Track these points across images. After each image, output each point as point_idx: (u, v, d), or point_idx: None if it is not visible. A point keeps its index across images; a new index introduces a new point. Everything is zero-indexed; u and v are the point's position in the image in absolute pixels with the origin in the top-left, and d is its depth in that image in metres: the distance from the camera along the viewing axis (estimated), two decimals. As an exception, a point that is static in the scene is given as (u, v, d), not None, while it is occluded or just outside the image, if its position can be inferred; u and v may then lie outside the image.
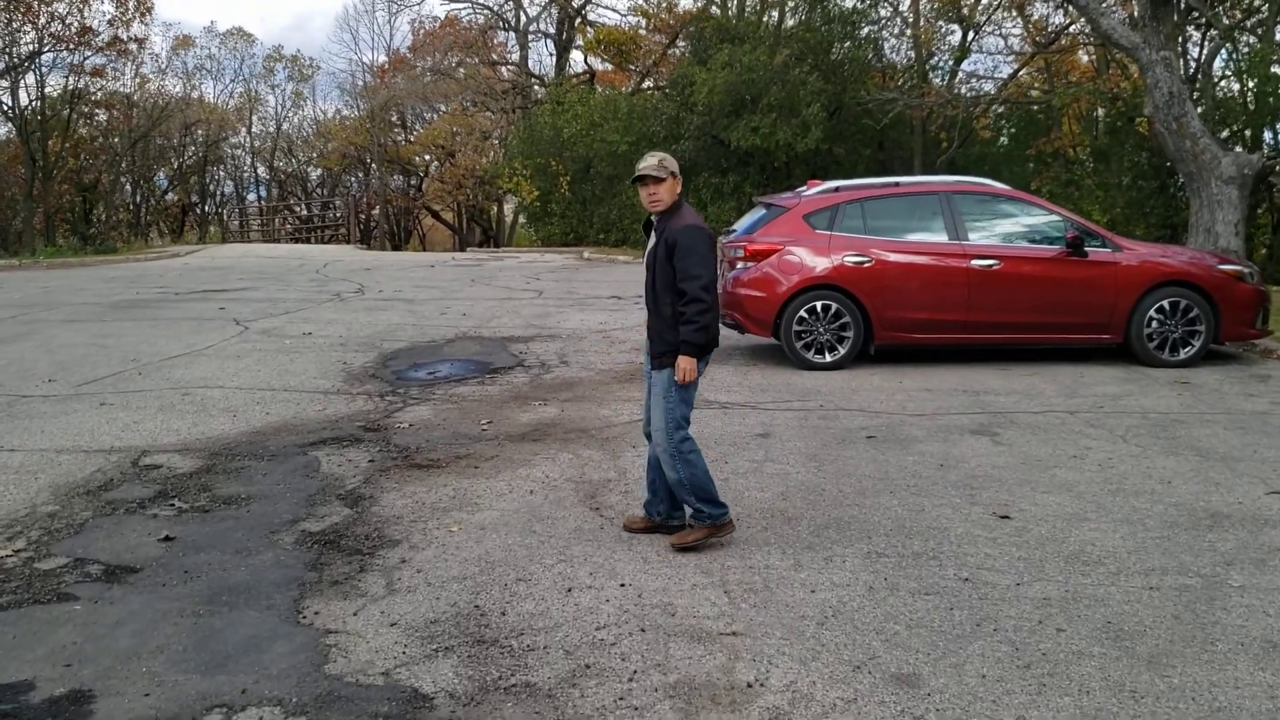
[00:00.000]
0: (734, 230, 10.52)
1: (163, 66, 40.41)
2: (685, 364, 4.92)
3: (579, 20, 35.99)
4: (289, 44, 76.04)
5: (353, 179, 46.17)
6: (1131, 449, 6.89)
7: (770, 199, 10.54)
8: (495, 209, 44.34)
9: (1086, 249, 9.63)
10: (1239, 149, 19.74)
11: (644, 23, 32.50)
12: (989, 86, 26.06)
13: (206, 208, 45.44)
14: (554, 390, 8.86)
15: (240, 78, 47.15)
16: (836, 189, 10.08)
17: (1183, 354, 9.73)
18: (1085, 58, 25.14)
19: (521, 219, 38.59)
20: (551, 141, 28.97)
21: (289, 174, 48.31)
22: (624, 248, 27.24)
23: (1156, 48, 16.70)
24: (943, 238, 9.72)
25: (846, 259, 9.58)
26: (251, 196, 47.45)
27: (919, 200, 9.88)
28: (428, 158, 43.68)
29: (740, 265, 9.86)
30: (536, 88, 38.39)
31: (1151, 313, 9.67)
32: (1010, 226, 9.98)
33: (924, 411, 7.99)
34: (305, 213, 44.24)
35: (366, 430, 7.41)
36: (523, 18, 38.74)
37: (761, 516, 5.57)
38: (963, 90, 25.65)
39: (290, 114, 48.45)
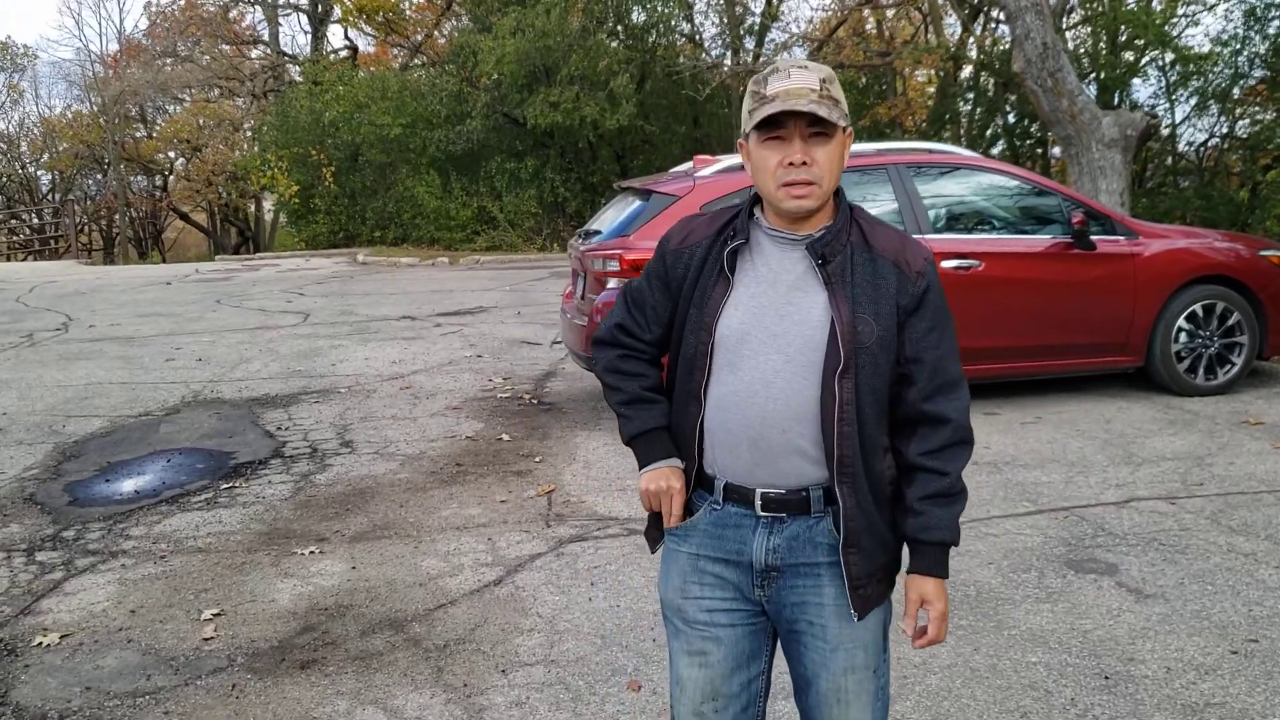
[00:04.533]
0: (596, 231, 7.24)
1: None
2: (945, 600, 2.09)
3: (335, -10, 31.71)
4: (-2, 30, 67.17)
5: (90, 181, 40.64)
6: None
7: (646, 184, 7.25)
8: (253, 207, 39.53)
9: (1093, 238, 6.85)
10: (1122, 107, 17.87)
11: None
12: (802, 52, 23.65)
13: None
14: (334, 511, 5.39)
15: (-65, 69, 40.42)
16: (742, 166, 6.94)
17: (1220, 376, 7.12)
18: (918, 13, 22.96)
19: (282, 218, 34.09)
20: (311, 128, 24.86)
21: (12, 179, 41.95)
22: (405, 246, 23.52)
23: (1025, -8, 14.40)
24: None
25: (769, 267, 6.45)
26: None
27: (859, 178, 6.86)
28: (172, 154, 38.74)
29: (612, 285, 6.58)
30: (291, 69, 33.89)
31: (1181, 322, 6.99)
32: (988, 210, 7.12)
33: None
34: (37, 222, 38.22)
35: (-33, 661, 3.79)
36: (270, -9, 34.12)
37: None
38: (783, 56, 23.07)
39: (7, 110, 42.16)
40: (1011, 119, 21.15)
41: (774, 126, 1.98)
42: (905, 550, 2.11)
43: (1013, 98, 20.37)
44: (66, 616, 4.13)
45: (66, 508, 5.52)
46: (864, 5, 22.46)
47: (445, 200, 23.02)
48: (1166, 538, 4.63)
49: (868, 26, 25.30)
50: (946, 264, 6.62)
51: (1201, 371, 7.08)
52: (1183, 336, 7.03)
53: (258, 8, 35.04)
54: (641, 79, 22.21)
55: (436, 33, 30.44)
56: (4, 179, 41.87)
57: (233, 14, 36.11)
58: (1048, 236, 6.91)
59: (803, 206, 1.99)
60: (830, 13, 23.96)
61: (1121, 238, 6.98)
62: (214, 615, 4.09)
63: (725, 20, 22.45)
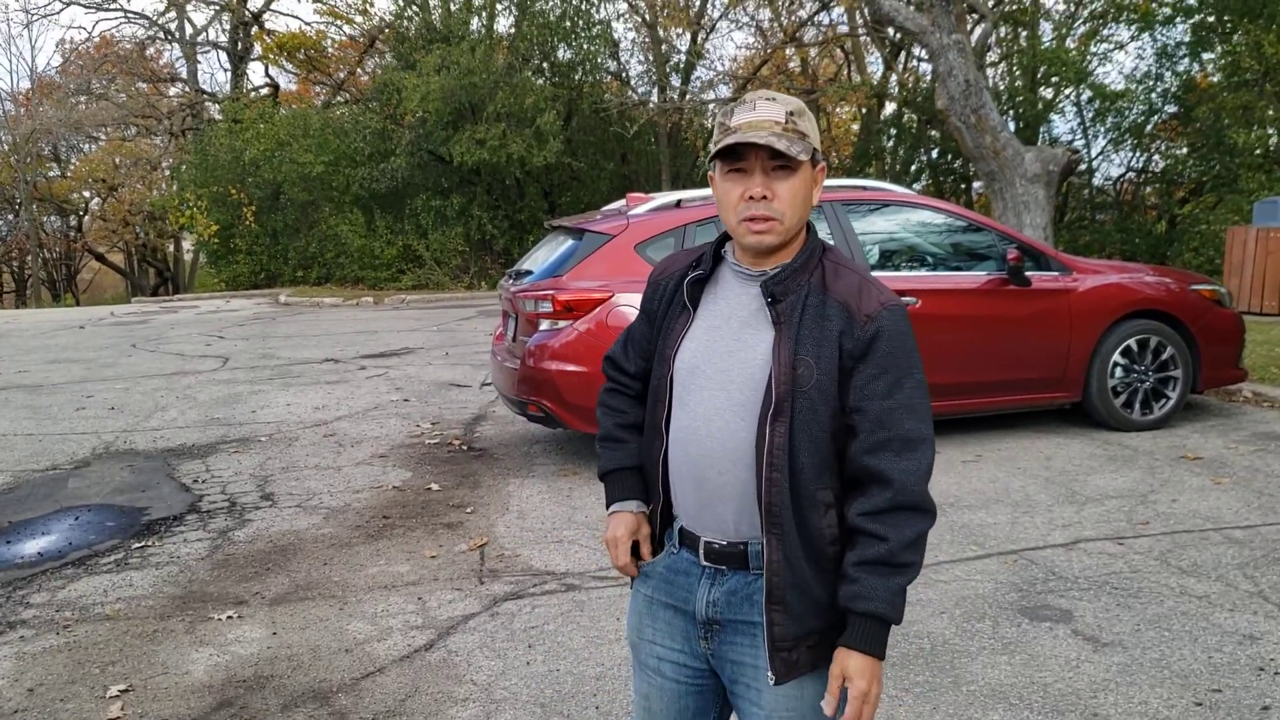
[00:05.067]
0: (527, 271, 7.02)
1: None
2: (874, 681, 1.86)
3: (256, 28, 31.22)
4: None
5: (0, 222, 39.44)
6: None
7: (578, 222, 7.05)
8: (172, 248, 38.65)
9: (1028, 274, 6.81)
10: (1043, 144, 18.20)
11: (334, 27, 28.24)
12: (727, 90, 23.75)
13: None
14: (254, 571, 5.08)
15: None
16: (678, 203, 6.79)
17: (1156, 411, 7.11)
18: (840, 52, 23.18)
19: (203, 258, 33.36)
20: (231, 166, 24.39)
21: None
22: (329, 286, 23.13)
23: (947, 30, 14.59)
24: (835, 267, 6.64)
25: (704, 307, 6.30)
26: None
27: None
28: (87, 194, 37.82)
29: (545, 326, 6.38)
30: (211, 107, 33.27)
31: (1116, 356, 6.97)
32: (923, 246, 7.06)
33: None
34: (-56, 264, 37.02)
35: None
36: (188, 28, 33.51)
37: None
38: (709, 94, 23.18)
39: (-87, 148, 40.80)
40: (935, 155, 21.44)
41: (735, 158, 1.90)
42: None
43: (935, 134, 20.66)
44: (-44, 698, 3.80)
45: (-38, 574, 5.14)
46: (788, 43, 22.66)
47: (370, 239, 22.65)
48: (1118, 581, 4.53)
49: (791, 64, 25.54)
50: (884, 301, 6.53)
51: (1138, 406, 7.07)
52: (1118, 371, 7.01)
53: (176, 45, 34.38)
54: (569, 116, 22.14)
55: (360, 70, 30.11)
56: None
57: (149, 51, 35.50)
58: (983, 273, 6.86)
59: (762, 242, 1.91)
60: (754, 50, 24.14)
61: (1056, 273, 6.95)
62: (121, 692, 3.78)
63: (651, 58, 22.49)
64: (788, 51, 24.01)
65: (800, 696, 1.92)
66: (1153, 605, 4.25)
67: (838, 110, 25.41)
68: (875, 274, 6.49)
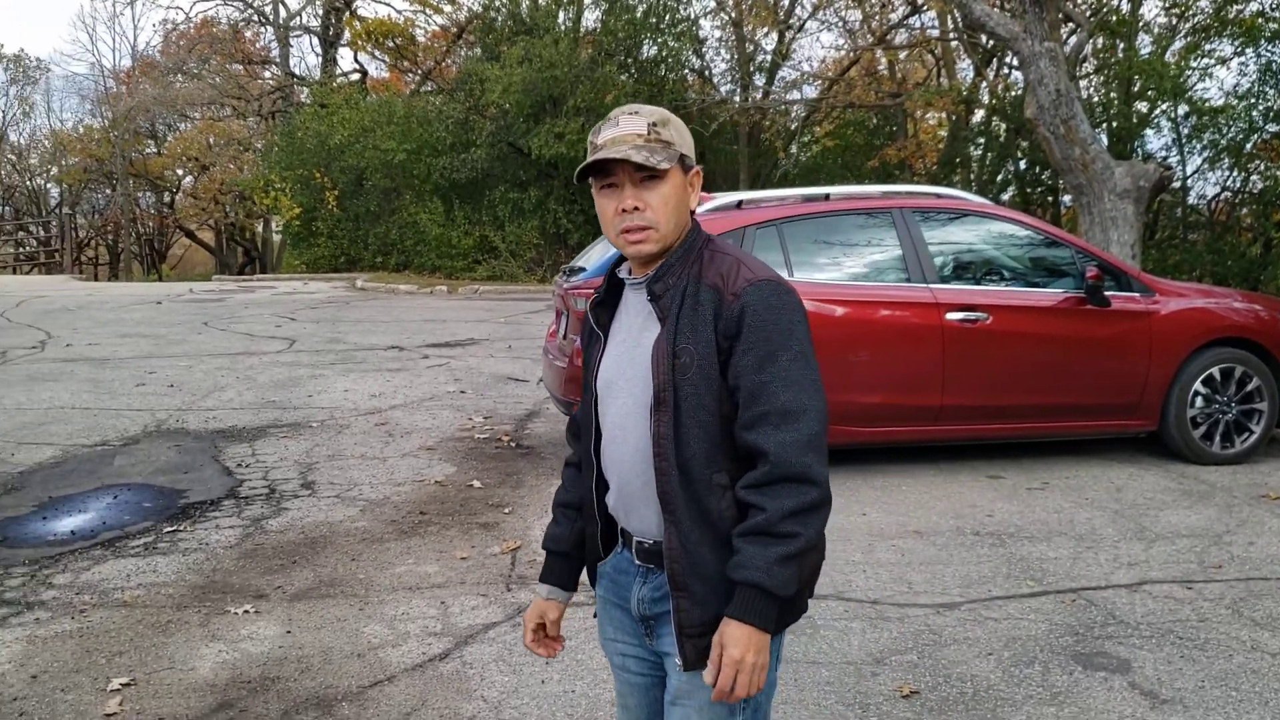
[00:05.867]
0: (580, 268, 6.84)
1: None
2: (749, 650, 1.86)
3: (347, 14, 31.56)
4: (9, 41, 67.12)
5: (100, 196, 40.56)
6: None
7: (635, 220, 6.87)
8: (260, 228, 39.29)
9: (1107, 294, 6.45)
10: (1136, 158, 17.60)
11: (424, 16, 28.40)
12: (813, 91, 23.37)
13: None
14: (280, 563, 4.97)
15: (-53, 80, 40.29)
16: (739, 204, 6.55)
17: (1238, 445, 6.69)
18: (930, 57, 22.66)
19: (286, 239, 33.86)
20: (316, 150, 24.62)
21: (22, 191, 41.83)
22: (406, 273, 23.21)
23: (1040, 38, 14.08)
24: (901, 277, 6.36)
25: (762, 314, 6.06)
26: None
27: (863, 221, 6.49)
28: (180, 171, 38.71)
29: (594, 326, 6.20)
30: (300, 90, 33.73)
31: (1198, 385, 6.57)
32: (998, 259, 6.73)
33: (947, 595, 4.53)
34: (44, 235, 37.97)
35: None
36: (282, 12, 34.00)
37: None
38: (794, 94, 22.82)
39: (18, 122, 42.07)
40: (1023, 165, 20.84)
41: (604, 174, 1.98)
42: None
43: (1025, 144, 20.07)
44: (-40, 680, 3.72)
45: (-6, 548, 5.11)
46: (877, 46, 22.21)
47: (447, 228, 22.69)
48: (1184, 629, 4.20)
49: (880, 67, 25.06)
50: (952, 316, 6.23)
51: (1218, 439, 6.65)
52: (1199, 401, 6.60)
53: (270, 28, 34.94)
54: (650, 113, 21.92)
55: (448, 60, 30.28)
56: (13, 191, 41.81)
57: (247, 34, 36.12)
58: (1059, 290, 6.51)
59: (641, 252, 1.98)
60: (843, 52, 23.71)
61: (1137, 294, 6.57)
62: (123, 685, 3.67)
63: (736, 57, 22.18)
64: (876, 54, 23.54)
65: (705, 688, 1.92)
66: (1220, 660, 3.92)
67: (925, 116, 24.85)
68: (947, 286, 6.28)
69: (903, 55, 23.10)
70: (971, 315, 6.27)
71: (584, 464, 2.16)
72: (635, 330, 2.03)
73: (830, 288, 6.24)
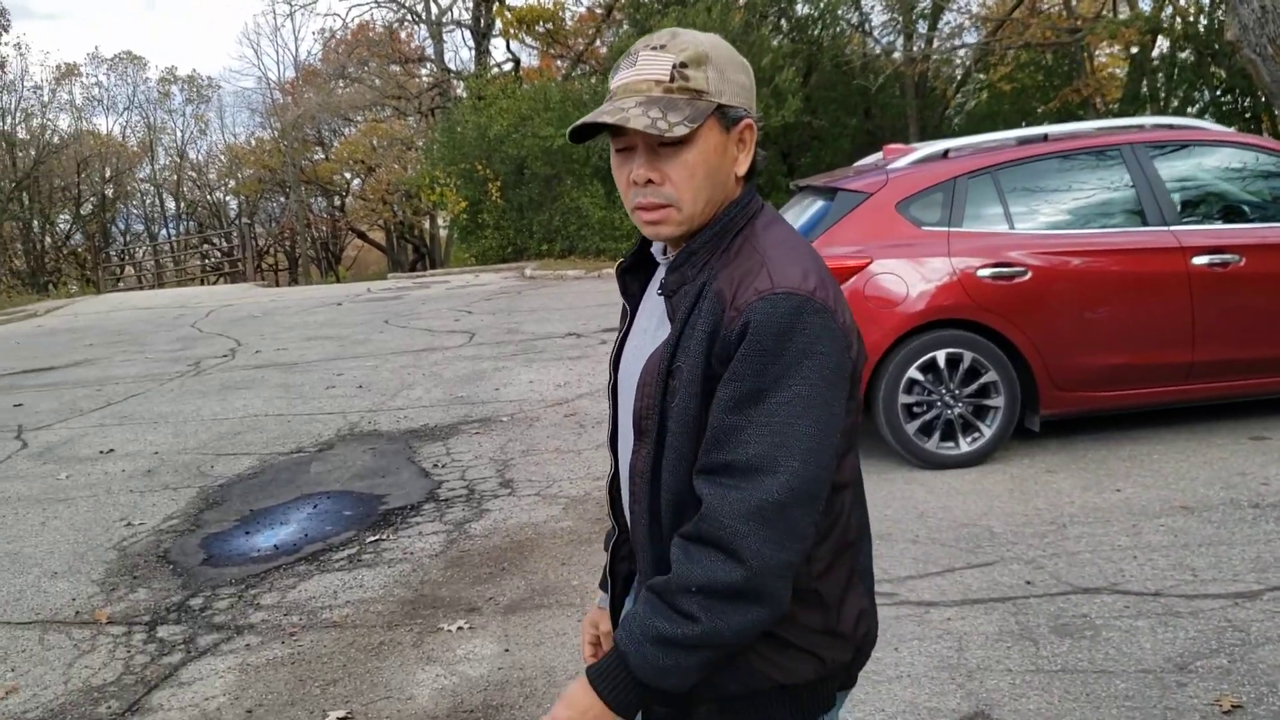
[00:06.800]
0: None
1: (45, 101, 36.37)
2: (572, 704, 1.48)
3: (497, 4, 31.72)
4: (182, 64, 70.71)
5: (274, 204, 42.31)
6: None
7: (830, 181, 6.32)
8: (427, 224, 40.12)
9: (1383, 223, 5.64)
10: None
11: (571, -1, 28.31)
12: (972, 37, 22.13)
13: (110, 251, 40.73)
14: (489, 571, 4.70)
15: (134, 105, 42.53)
16: (945, 154, 5.96)
17: None
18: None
19: (454, 233, 34.42)
20: (477, 143, 24.76)
21: (204, 206, 44.01)
22: (572, 258, 23.12)
23: (1243, -52, 12.86)
24: (1138, 221, 5.68)
25: (981, 272, 5.49)
26: (165, 234, 43.06)
27: (1090, 161, 5.83)
28: (347, 175, 39.92)
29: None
30: (457, 84, 34.18)
31: None
32: (1246, 194, 5.96)
33: (1241, 583, 3.91)
34: (226, 246, 39.78)
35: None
36: (434, 8, 34.45)
37: None
38: (961, 39, 21.71)
39: (195, 140, 44.27)
40: (1219, 93, 19.29)
41: (615, 132, 1.50)
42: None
43: (1220, 72, 18.56)
44: (177, 716, 3.55)
45: (199, 568, 5.01)
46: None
47: (610, 210, 22.52)
48: None
49: (1044, 5, 23.59)
50: (1199, 260, 5.52)
51: None
52: None
53: (423, 26, 35.49)
54: (807, 72, 21.21)
55: (598, 41, 30.12)
56: (195, 205, 43.91)
57: (402, 34, 36.84)
58: (1320, 226, 5.72)
59: (659, 234, 1.54)
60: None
61: None
62: (340, 719, 3.44)
63: (898, 4, 21.21)
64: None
65: None
66: None
67: (1099, 50, 23.25)
68: (1191, 228, 5.57)
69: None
70: (1221, 258, 5.54)
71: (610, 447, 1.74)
72: (654, 321, 1.60)
73: (1058, 238, 5.60)
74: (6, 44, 50.25)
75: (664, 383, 1.48)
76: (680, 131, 1.43)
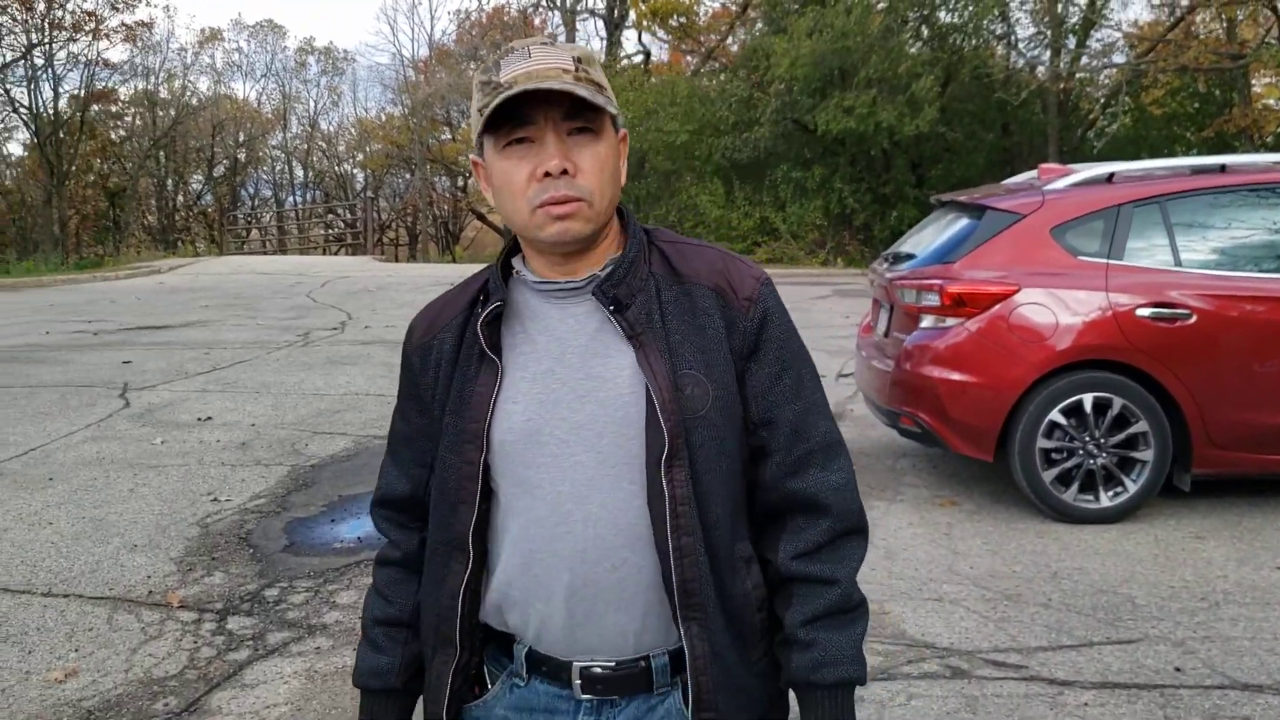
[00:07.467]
0: (908, 255, 5.95)
1: (188, 63, 37.53)
2: None
3: (633, -7, 31.57)
4: (320, 35, 72.29)
5: (400, 180, 43.03)
6: None
7: (978, 198, 5.85)
8: (544, 209, 40.39)
9: None
10: None
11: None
12: (1121, 57, 21.09)
13: (238, 214, 41.87)
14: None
15: (271, 73, 43.57)
16: (1109, 177, 5.46)
17: None
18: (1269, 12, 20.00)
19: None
20: (600, 133, 24.67)
21: (331, 176, 44.97)
22: (685, 255, 22.85)
23: None
24: (1324, 267, 5.13)
25: (1141, 311, 5.00)
26: (292, 201, 44.14)
27: (1273, 199, 5.28)
28: (472, 156, 40.34)
29: (928, 323, 5.30)
30: (586, 74, 34.17)
31: None
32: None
33: None
34: (350, 217, 40.59)
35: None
36: (569, -4, 34.45)
37: None
38: (1106, 61, 20.74)
39: (328, 111, 45.16)
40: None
41: (515, 124, 1.38)
42: None
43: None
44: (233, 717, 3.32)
45: (279, 554, 4.82)
46: (1206, 4, 19.78)
47: (727, 209, 22.23)
48: None
49: (1201, 32, 22.41)
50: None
51: None
52: None
53: (557, 13, 35.53)
54: (945, 82, 20.52)
55: (731, 38, 29.79)
56: (323, 175, 44.83)
57: (536, 20, 36.97)
58: None
59: (569, 230, 1.40)
60: (1162, 10, 21.30)
61: None
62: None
63: (1047, 18, 20.33)
64: (1197, 15, 21.00)
65: None
66: None
67: (1255, 79, 21.95)
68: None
69: (1240, 14, 20.45)
70: None
71: (441, 556, 1.49)
72: (575, 356, 1.44)
73: (1230, 281, 5.08)
74: (155, 5, 52.17)
75: (678, 395, 1.39)
76: (611, 110, 1.40)
